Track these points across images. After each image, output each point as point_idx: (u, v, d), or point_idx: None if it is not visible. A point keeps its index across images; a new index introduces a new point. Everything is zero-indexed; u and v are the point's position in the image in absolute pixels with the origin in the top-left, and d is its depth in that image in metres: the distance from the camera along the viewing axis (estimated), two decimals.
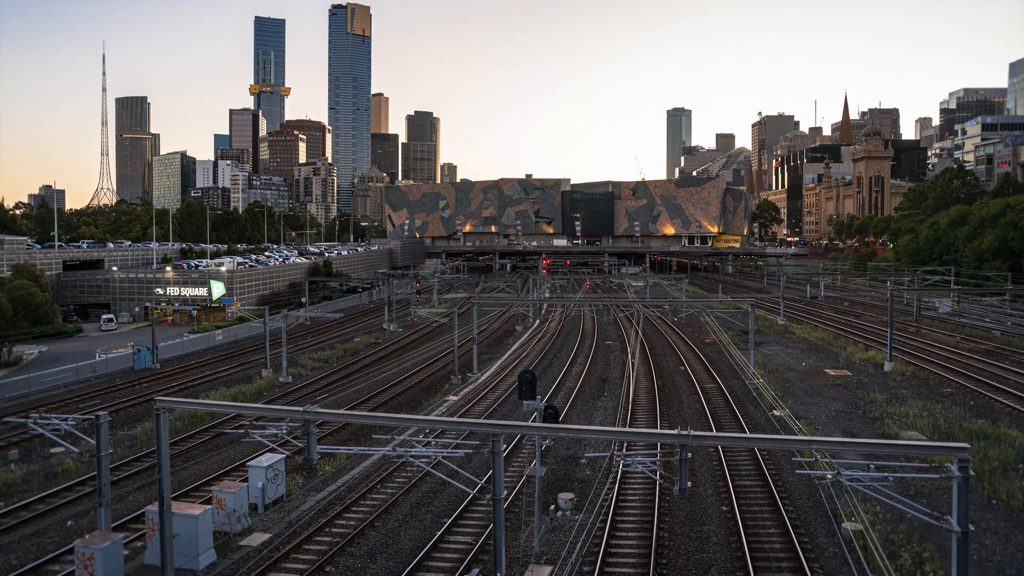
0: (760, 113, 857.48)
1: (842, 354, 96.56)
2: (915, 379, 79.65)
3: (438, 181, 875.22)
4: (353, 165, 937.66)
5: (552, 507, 43.39)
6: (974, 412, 64.08)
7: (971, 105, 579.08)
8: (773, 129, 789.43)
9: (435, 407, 71.15)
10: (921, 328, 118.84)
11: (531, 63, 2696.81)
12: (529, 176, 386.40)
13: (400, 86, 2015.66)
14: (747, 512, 42.80)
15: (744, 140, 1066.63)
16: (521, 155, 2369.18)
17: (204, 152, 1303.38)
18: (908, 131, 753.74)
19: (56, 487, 49.55)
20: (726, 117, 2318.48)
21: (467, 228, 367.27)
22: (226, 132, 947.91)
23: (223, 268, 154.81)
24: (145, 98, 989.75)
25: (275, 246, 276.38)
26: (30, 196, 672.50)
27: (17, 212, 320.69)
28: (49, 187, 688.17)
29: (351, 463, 52.83)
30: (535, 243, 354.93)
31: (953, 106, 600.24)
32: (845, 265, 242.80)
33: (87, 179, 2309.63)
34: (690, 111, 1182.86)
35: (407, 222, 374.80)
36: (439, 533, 40.56)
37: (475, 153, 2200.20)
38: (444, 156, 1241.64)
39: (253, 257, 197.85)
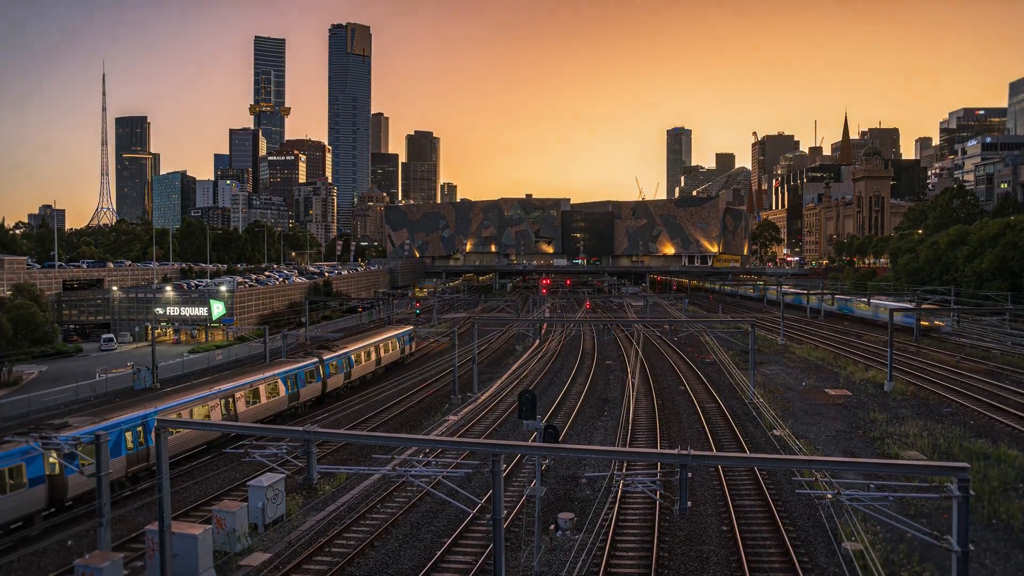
0: (757, 134, 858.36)
1: (842, 374, 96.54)
2: (915, 399, 79.57)
3: (438, 201, 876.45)
4: (353, 185, 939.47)
5: (552, 527, 43.37)
6: (974, 432, 64.01)
7: (971, 125, 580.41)
8: (773, 149, 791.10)
9: (435, 427, 71.13)
10: (921, 348, 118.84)
11: (531, 83, 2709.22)
12: (529, 196, 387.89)
13: (400, 106, 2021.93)
14: (747, 532, 42.80)
15: (744, 160, 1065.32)
16: (521, 175, 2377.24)
17: (204, 172, 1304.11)
18: (908, 151, 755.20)
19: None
20: (726, 137, 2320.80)
21: (467, 248, 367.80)
22: (226, 152, 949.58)
23: (223, 288, 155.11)
24: (145, 118, 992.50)
25: (275, 266, 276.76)
26: (30, 216, 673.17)
27: (17, 232, 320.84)
28: (49, 207, 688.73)
29: (351, 483, 52.81)
30: (535, 263, 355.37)
31: (953, 126, 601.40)
32: (845, 285, 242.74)
33: (87, 199, 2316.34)
34: (690, 131, 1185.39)
35: (407, 242, 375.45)
36: (439, 553, 40.53)
37: (475, 173, 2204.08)
38: (444, 176, 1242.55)
39: (253, 277, 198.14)
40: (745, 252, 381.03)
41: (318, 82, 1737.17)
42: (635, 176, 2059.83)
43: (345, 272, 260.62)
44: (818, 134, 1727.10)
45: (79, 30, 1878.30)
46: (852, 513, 39.82)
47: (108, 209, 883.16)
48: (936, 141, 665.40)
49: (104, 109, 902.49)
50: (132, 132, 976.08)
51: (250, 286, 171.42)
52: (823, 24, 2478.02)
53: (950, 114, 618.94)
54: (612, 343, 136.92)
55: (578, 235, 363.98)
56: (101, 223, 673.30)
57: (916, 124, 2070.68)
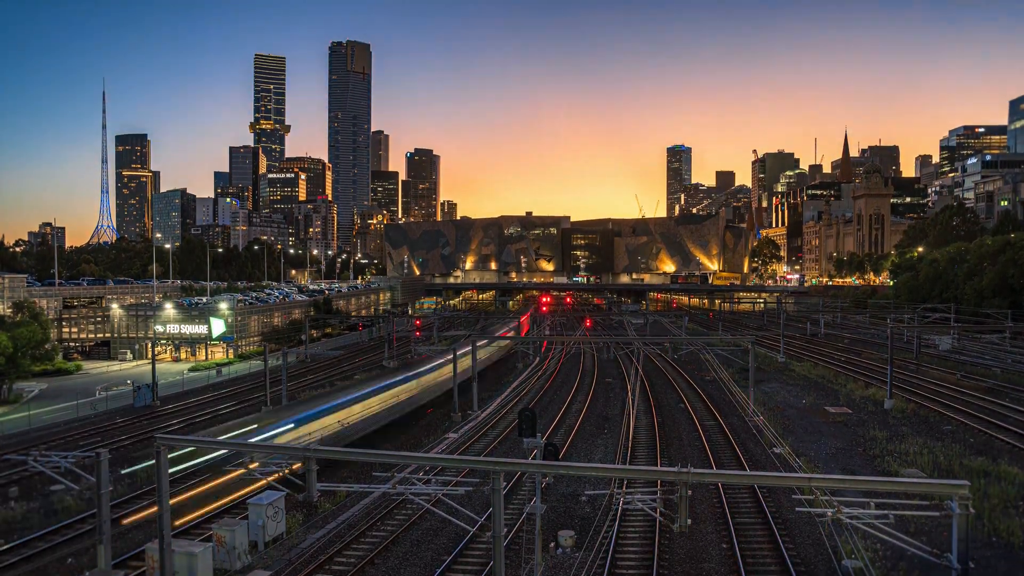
0: (757, 151, 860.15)
1: (842, 391, 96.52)
2: (915, 416, 79.57)
3: (438, 219, 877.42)
4: (353, 202, 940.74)
5: (552, 545, 43.36)
6: (974, 449, 64.01)
7: (971, 143, 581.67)
8: (773, 166, 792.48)
9: (435, 444, 71.13)
10: (921, 365, 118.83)
11: (531, 101, 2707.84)
12: (529, 213, 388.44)
13: (400, 123, 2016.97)
14: (747, 550, 42.78)
15: (744, 178, 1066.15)
16: (521, 192, 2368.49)
17: (204, 189, 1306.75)
18: (908, 168, 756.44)
19: (56, 524, 49.51)
20: (726, 155, 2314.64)
21: (467, 265, 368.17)
22: (226, 169, 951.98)
23: (223, 306, 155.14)
24: (145, 135, 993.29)
25: (275, 283, 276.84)
26: (30, 234, 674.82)
27: (17, 249, 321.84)
28: (49, 224, 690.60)
29: (351, 500, 52.80)
30: (535, 280, 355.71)
31: (953, 143, 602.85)
32: (845, 302, 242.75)
33: (87, 216, 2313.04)
34: (689, 149, 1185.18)
35: (407, 259, 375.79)
36: (439, 570, 40.52)
37: (475, 190, 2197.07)
38: (444, 194, 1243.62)
39: (253, 295, 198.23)
40: (745, 270, 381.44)
41: (318, 100, 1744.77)
42: (635, 194, 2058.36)
43: (345, 289, 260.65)
44: (818, 152, 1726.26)
45: (79, 48, 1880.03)
46: (852, 531, 39.85)
47: (108, 227, 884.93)
48: (936, 159, 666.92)
49: (104, 127, 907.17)
50: (132, 150, 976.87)
51: (250, 304, 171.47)
52: (823, 42, 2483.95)
53: (950, 132, 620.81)
54: (612, 361, 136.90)
55: (578, 253, 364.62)
56: (101, 241, 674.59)
57: (916, 142, 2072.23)
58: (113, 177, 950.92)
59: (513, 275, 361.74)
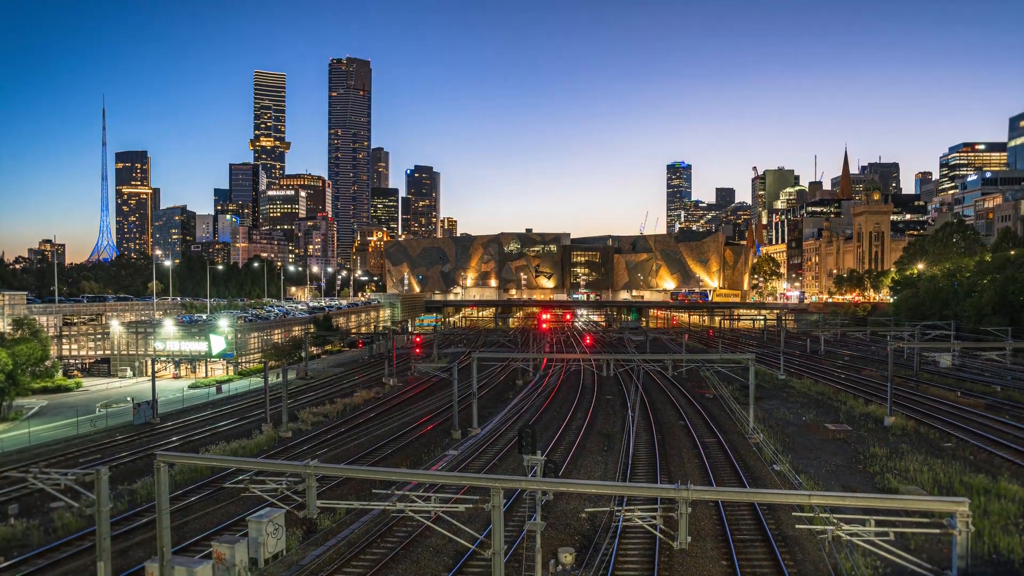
0: (758, 168, 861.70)
1: (842, 408, 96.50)
2: (915, 434, 79.58)
3: (438, 235, 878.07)
4: (353, 219, 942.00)
5: (552, 562, 43.30)
6: (974, 467, 64.03)
7: (971, 160, 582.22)
8: (773, 183, 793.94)
9: (435, 462, 71.07)
10: (921, 383, 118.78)
11: (531, 117, 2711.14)
12: (529, 230, 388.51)
13: (400, 140, 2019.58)
14: (747, 567, 42.74)
15: (744, 195, 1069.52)
16: (521, 209, 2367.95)
17: (204, 206, 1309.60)
18: (908, 185, 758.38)
19: (56, 541, 49.44)
20: (726, 171, 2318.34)
21: (467, 282, 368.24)
22: (226, 186, 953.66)
23: (223, 322, 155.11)
24: (145, 152, 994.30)
25: (275, 300, 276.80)
26: (30, 251, 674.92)
27: (17, 266, 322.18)
28: (49, 241, 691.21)
29: (351, 518, 52.77)
30: (535, 297, 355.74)
31: (953, 160, 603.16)
32: (845, 320, 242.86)
33: (87, 233, 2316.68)
34: (689, 165, 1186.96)
35: (407, 276, 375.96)
36: None
37: (475, 207, 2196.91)
38: (444, 210, 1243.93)
39: (253, 312, 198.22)
40: (745, 287, 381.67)
41: (318, 117, 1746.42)
42: (647, 211, 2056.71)
43: (345, 306, 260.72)
44: (818, 168, 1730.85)
45: (79, 66, 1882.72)
46: (852, 548, 39.81)
47: (108, 244, 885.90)
48: (936, 175, 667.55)
49: (104, 144, 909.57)
50: (132, 167, 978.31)
51: (250, 321, 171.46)
52: (823, 59, 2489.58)
53: (950, 148, 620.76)
54: (612, 378, 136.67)
55: (578, 270, 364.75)
56: (101, 258, 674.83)
57: (916, 158, 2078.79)
58: (113, 194, 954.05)
59: (513, 292, 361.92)
